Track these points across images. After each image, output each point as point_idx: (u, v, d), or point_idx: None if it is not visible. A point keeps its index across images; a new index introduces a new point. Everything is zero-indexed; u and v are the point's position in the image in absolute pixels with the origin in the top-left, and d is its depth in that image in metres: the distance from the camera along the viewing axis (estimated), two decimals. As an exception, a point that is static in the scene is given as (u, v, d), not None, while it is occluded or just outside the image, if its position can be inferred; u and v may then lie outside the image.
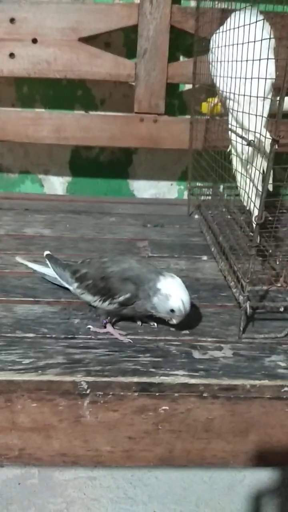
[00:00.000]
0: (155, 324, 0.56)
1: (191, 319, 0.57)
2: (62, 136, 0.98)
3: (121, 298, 0.53)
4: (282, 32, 0.77)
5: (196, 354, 0.51)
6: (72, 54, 0.93)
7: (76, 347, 0.51)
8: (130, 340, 0.53)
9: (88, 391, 0.46)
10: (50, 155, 1.09)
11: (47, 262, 0.61)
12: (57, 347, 0.50)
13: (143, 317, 0.56)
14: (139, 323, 0.57)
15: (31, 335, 0.53)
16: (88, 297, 0.56)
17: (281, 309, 0.60)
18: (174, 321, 0.53)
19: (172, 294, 0.51)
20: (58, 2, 0.95)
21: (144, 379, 0.47)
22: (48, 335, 0.53)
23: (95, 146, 1.06)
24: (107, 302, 0.54)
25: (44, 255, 0.62)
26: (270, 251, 0.66)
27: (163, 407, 0.48)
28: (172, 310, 0.51)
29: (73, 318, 0.57)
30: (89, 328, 0.55)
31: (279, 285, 0.53)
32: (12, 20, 0.91)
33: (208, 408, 0.48)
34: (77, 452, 0.50)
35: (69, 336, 0.53)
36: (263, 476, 0.90)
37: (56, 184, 1.12)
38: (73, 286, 0.58)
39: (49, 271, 0.62)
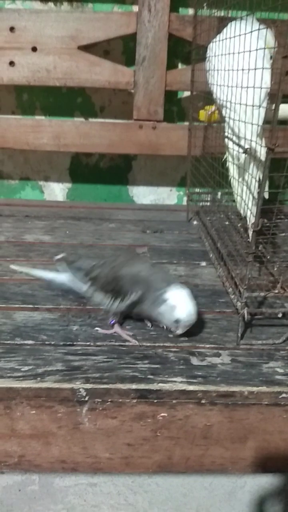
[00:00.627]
0: (150, 324, 0.57)
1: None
2: (62, 143, 0.99)
3: (131, 299, 0.53)
4: (279, 40, 0.78)
5: (195, 361, 0.52)
6: (71, 62, 0.94)
7: (75, 354, 0.51)
8: (137, 341, 0.54)
9: (86, 398, 0.46)
10: (50, 162, 1.09)
11: (63, 264, 0.61)
12: (56, 354, 0.51)
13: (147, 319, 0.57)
14: (149, 324, 0.57)
15: (30, 342, 0.53)
16: (98, 297, 0.57)
17: (279, 315, 0.60)
18: (179, 332, 0.53)
19: (177, 305, 0.52)
20: (57, 11, 0.97)
21: (142, 386, 0.47)
22: (47, 342, 0.53)
23: (95, 153, 1.07)
24: (117, 302, 0.55)
25: (58, 257, 0.63)
26: (268, 257, 0.66)
27: (162, 414, 0.48)
28: (177, 321, 0.52)
29: (72, 324, 0.57)
30: (97, 329, 0.56)
31: (276, 291, 0.54)
32: (12, 29, 0.92)
33: (206, 414, 0.48)
34: (76, 459, 0.50)
35: (68, 343, 0.53)
36: (264, 482, 0.90)
37: (57, 191, 1.12)
38: (85, 286, 0.59)
39: (55, 276, 0.62)
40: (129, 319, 0.58)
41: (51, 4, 0.97)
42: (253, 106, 0.49)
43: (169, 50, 0.94)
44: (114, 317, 0.56)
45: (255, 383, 0.48)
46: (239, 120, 0.54)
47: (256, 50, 0.48)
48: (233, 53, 0.55)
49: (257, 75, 0.51)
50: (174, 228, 0.91)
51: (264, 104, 0.52)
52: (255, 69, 0.48)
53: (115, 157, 1.09)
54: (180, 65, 1.01)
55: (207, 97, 0.71)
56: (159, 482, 0.92)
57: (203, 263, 0.75)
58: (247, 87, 0.50)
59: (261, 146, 0.47)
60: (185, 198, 1.02)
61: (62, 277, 0.61)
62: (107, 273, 0.56)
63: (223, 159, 0.63)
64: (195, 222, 0.92)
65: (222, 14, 0.75)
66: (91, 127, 0.99)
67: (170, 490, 0.90)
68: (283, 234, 0.82)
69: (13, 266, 0.66)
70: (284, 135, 0.92)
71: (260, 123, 0.52)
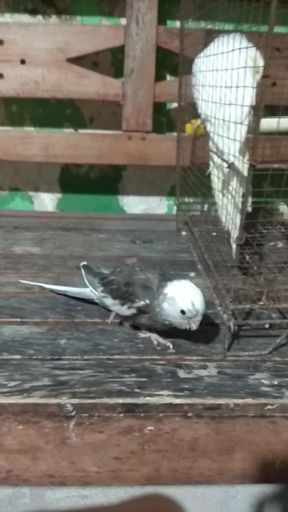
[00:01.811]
0: (171, 345, 0.56)
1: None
2: (51, 154, 0.99)
3: (140, 304, 0.54)
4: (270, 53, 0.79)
5: (181, 373, 0.52)
6: (60, 74, 0.95)
7: (62, 368, 0.52)
8: (171, 344, 0.56)
9: (73, 413, 0.47)
10: (40, 173, 1.10)
11: (82, 271, 0.64)
12: (43, 369, 0.51)
13: (162, 329, 0.57)
14: (155, 342, 0.57)
15: (17, 356, 0.53)
16: (108, 301, 0.58)
17: (266, 326, 0.61)
18: (193, 326, 0.52)
19: (177, 295, 0.51)
20: (46, 24, 0.97)
21: (129, 400, 0.47)
22: (34, 357, 0.53)
23: (84, 163, 1.08)
24: (126, 306, 0.56)
25: (81, 265, 0.66)
26: (255, 268, 0.67)
27: (149, 428, 0.48)
28: (182, 312, 0.51)
29: (60, 338, 0.57)
30: (139, 335, 0.58)
31: (261, 303, 0.54)
32: (0, 42, 0.93)
33: (193, 427, 0.49)
34: (64, 473, 0.50)
35: (55, 357, 0.53)
36: (256, 491, 0.90)
37: (46, 201, 1.13)
38: (98, 290, 0.60)
39: (67, 288, 0.66)
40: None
41: (39, 17, 0.98)
42: (235, 122, 0.50)
43: (157, 62, 0.95)
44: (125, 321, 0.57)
45: (241, 395, 0.49)
46: (222, 136, 0.54)
47: (239, 68, 0.49)
48: (218, 70, 0.56)
49: (241, 92, 0.52)
50: (163, 238, 0.91)
51: (246, 122, 0.53)
52: (237, 86, 0.49)
53: (105, 167, 1.10)
54: (168, 77, 1.02)
55: (193, 112, 0.72)
56: (151, 493, 0.92)
57: (192, 274, 0.76)
58: (230, 104, 0.50)
59: (243, 162, 0.48)
60: (175, 208, 1.03)
61: (75, 289, 0.65)
62: (120, 280, 0.58)
63: (207, 172, 0.64)
64: (184, 233, 0.93)
65: (209, 26, 0.77)
66: (80, 138, 0.99)
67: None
68: (272, 244, 0.83)
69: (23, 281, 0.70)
70: (272, 145, 0.93)
71: (242, 139, 0.53)
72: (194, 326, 0.52)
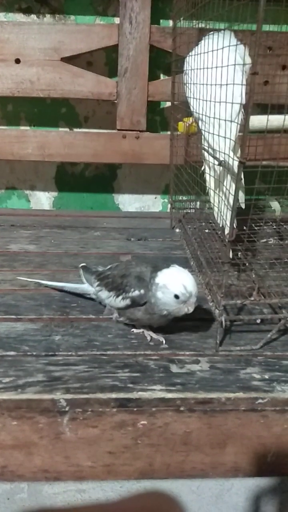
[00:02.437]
0: (163, 340, 0.57)
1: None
2: (46, 153, 1.00)
3: (134, 294, 0.54)
4: (258, 51, 0.80)
5: (174, 368, 0.53)
6: (55, 73, 0.95)
7: (56, 364, 0.52)
8: (163, 339, 0.56)
9: (67, 408, 0.47)
10: (36, 171, 1.10)
11: (81, 272, 0.65)
12: (37, 365, 0.52)
13: (160, 324, 0.57)
14: (148, 338, 0.57)
15: (12, 353, 0.54)
16: (104, 294, 0.59)
17: (258, 321, 0.62)
18: (190, 309, 0.53)
19: (168, 281, 0.52)
20: (40, 23, 0.98)
21: (122, 395, 0.48)
22: (29, 353, 0.54)
23: (80, 162, 1.08)
24: (120, 297, 0.56)
25: (80, 266, 0.66)
26: (247, 264, 0.68)
27: (142, 422, 0.49)
28: (176, 296, 0.52)
29: (55, 334, 0.58)
30: (132, 330, 0.59)
31: (252, 298, 0.55)
32: (-5, 42, 0.93)
33: (185, 421, 0.49)
34: (59, 468, 0.51)
35: (50, 354, 0.54)
36: (251, 484, 0.91)
37: (43, 199, 1.13)
38: (94, 285, 0.61)
39: (65, 283, 0.66)
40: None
41: (33, 17, 0.99)
42: (226, 120, 0.51)
43: (151, 61, 0.96)
44: (118, 315, 0.58)
45: (233, 389, 0.50)
46: (213, 134, 0.55)
47: (228, 65, 0.50)
48: (208, 68, 0.57)
49: (232, 90, 0.53)
50: (158, 235, 0.92)
51: (238, 119, 0.53)
52: (227, 84, 0.50)
53: (100, 166, 1.10)
54: (162, 76, 1.03)
55: (186, 110, 0.73)
56: (148, 486, 0.93)
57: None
58: (220, 102, 0.51)
59: (234, 160, 0.49)
60: (169, 205, 1.04)
61: (72, 285, 0.66)
62: (116, 273, 0.59)
63: (201, 170, 0.65)
64: (177, 230, 0.94)
65: (201, 26, 0.77)
66: (76, 137, 1.00)
67: (158, 495, 0.91)
68: (264, 240, 0.84)
69: (21, 278, 0.70)
70: (264, 143, 0.94)
71: (233, 137, 0.54)
72: (190, 309, 0.53)
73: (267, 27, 0.95)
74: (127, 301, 0.56)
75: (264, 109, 0.65)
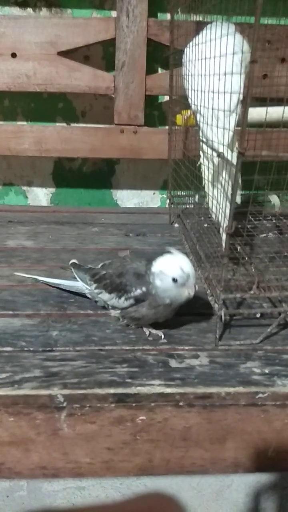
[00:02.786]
0: (162, 335, 0.56)
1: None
2: (43, 149, 0.99)
3: (137, 293, 0.53)
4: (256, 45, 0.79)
5: (173, 363, 0.52)
6: (51, 68, 0.94)
7: (54, 359, 0.52)
8: (162, 334, 0.55)
9: (64, 404, 0.47)
10: (33, 167, 1.09)
11: (72, 269, 0.64)
12: (34, 361, 0.51)
13: (167, 317, 0.56)
14: (147, 332, 0.57)
15: (9, 349, 0.53)
16: (105, 296, 0.57)
17: (258, 316, 0.61)
18: (190, 292, 0.52)
19: (164, 267, 0.52)
20: (36, 17, 0.97)
21: (120, 390, 0.47)
22: (26, 349, 0.53)
23: (77, 157, 1.08)
24: (123, 298, 0.55)
25: (71, 262, 0.65)
26: (246, 258, 0.67)
27: (140, 417, 0.48)
28: (175, 280, 0.51)
29: (52, 330, 0.57)
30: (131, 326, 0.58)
31: (252, 292, 0.54)
32: (-9, 36, 0.92)
33: (185, 416, 0.49)
34: (57, 465, 0.50)
35: (47, 349, 0.53)
36: (251, 481, 0.91)
37: (40, 195, 1.12)
38: (91, 288, 0.60)
39: (61, 281, 0.65)
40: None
41: (30, 10, 0.98)
42: (224, 111, 0.50)
43: (149, 55, 0.95)
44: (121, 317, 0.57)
45: (232, 384, 0.49)
46: (211, 125, 0.54)
47: (227, 55, 0.49)
48: (207, 58, 0.56)
49: (231, 81, 0.52)
50: (156, 231, 0.91)
51: (237, 110, 0.52)
52: (225, 74, 0.49)
53: (98, 161, 1.09)
54: (159, 70, 1.02)
55: (185, 104, 0.72)
56: (147, 483, 0.92)
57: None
58: (219, 92, 0.50)
59: (233, 151, 0.48)
60: (168, 201, 1.03)
61: (68, 282, 0.64)
62: (112, 272, 0.57)
63: (198, 163, 0.64)
64: (176, 225, 0.93)
65: (199, 18, 0.76)
66: (73, 132, 0.99)
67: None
68: (263, 235, 0.83)
69: (18, 274, 0.69)
70: (263, 137, 0.93)
71: (232, 128, 0.53)
72: (191, 292, 0.52)
73: (265, 19, 0.94)
74: (131, 301, 0.55)
75: (262, 103, 0.65)
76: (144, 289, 0.53)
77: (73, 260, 0.65)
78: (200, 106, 0.58)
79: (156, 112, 1.05)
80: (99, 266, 0.62)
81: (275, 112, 0.66)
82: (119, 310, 0.57)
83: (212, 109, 0.53)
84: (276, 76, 0.92)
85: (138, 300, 0.54)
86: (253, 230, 0.76)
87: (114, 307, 0.58)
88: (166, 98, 1.03)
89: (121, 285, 0.55)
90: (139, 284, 0.54)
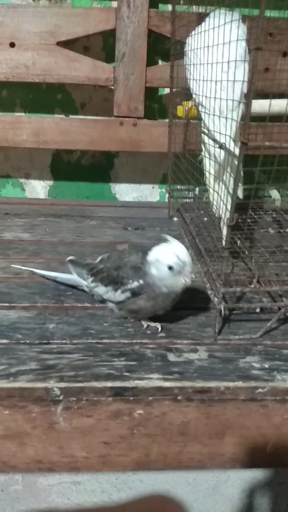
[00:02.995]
0: (159, 327, 0.55)
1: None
2: (41, 140, 0.98)
3: (133, 285, 0.52)
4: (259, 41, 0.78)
5: (171, 357, 0.51)
6: (50, 58, 0.93)
7: (50, 352, 0.51)
8: (159, 327, 0.54)
9: (61, 397, 0.46)
10: (31, 159, 1.08)
11: (69, 266, 0.62)
12: (30, 353, 0.50)
13: (165, 307, 0.55)
14: (145, 325, 0.56)
15: (4, 341, 0.52)
16: (101, 290, 0.56)
17: (257, 310, 0.60)
18: (187, 280, 0.51)
19: (160, 255, 0.51)
20: (36, 6, 0.95)
21: (118, 384, 0.47)
22: (22, 341, 0.52)
23: (76, 150, 1.06)
24: (119, 291, 0.54)
25: (69, 259, 0.63)
26: (246, 252, 0.66)
27: (138, 411, 0.47)
28: (170, 268, 0.50)
29: (49, 323, 0.56)
30: (129, 318, 0.57)
31: (252, 286, 0.54)
32: (-11, 24, 0.91)
33: (183, 411, 0.48)
34: (53, 459, 0.49)
35: (44, 342, 0.52)
36: (247, 477, 0.90)
37: (38, 188, 1.11)
38: (88, 281, 0.59)
39: (58, 274, 0.64)
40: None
41: (29, -1, 0.96)
42: (227, 100, 0.49)
43: (149, 47, 0.93)
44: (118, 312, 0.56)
45: (232, 378, 0.48)
46: (214, 115, 0.53)
47: (231, 41, 0.48)
48: (210, 46, 0.55)
49: (235, 69, 0.51)
50: (155, 225, 0.91)
51: (242, 99, 0.51)
52: (228, 61, 0.48)
53: (97, 154, 1.08)
54: (160, 62, 1.00)
55: (186, 93, 0.71)
56: (143, 479, 0.92)
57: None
58: (222, 81, 0.49)
59: (235, 141, 0.47)
60: (167, 195, 1.02)
61: (65, 275, 0.63)
62: (109, 266, 0.56)
63: (200, 156, 0.63)
64: (175, 219, 0.92)
65: (201, 10, 0.75)
66: (71, 123, 0.98)
67: (154, 486, 0.90)
68: (264, 230, 0.82)
69: (15, 265, 0.68)
70: (264, 131, 0.92)
71: (235, 117, 0.52)
72: (188, 280, 0.51)
73: (268, 12, 0.93)
74: (127, 294, 0.54)
75: (264, 97, 0.64)
76: (141, 281, 0.52)
77: (70, 257, 0.63)
78: (203, 96, 0.57)
79: (156, 105, 1.04)
80: (97, 260, 0.61)
81: (277, 105, 0.65)
82: (116, 303, 0.56)
83: (215, 98, 0.52)
84: (279, 70, 0.91)
85: (134, 293, 0.53)
86: (254, 225, 0.75)
87: (110, 301, 0.57)
88: (167, 90, 1.02)
89: (118, 277, 0.54)
90: (136, 277, 0.53)
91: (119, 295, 0.54)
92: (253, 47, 0.40)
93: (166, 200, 0.97)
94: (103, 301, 0.59)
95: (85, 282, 0.60)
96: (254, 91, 0.43)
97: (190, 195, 0.89)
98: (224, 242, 0.49)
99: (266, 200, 0.86)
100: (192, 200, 0.89)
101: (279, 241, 0.75)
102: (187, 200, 0.90)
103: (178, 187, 0.90)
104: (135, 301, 0.54)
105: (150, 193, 1.13)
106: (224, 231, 0.55)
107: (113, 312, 0.57)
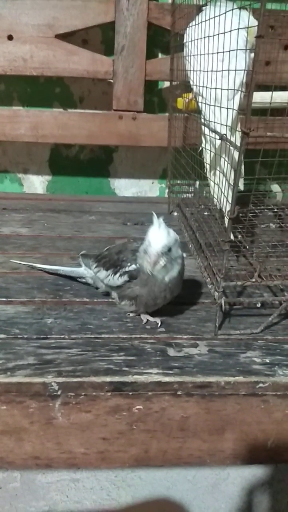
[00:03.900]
0: (159, 322, 0.55)
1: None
2: (40, 134, 0.97)
3: (131, 268, 0.53)
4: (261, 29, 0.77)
5: (171, 352, 0.51)
6: (48, 51, 0.92)
7: (48, 347, 0.50)
8: (159, 322, 0.54)
9: (59, 392, 0.45)
10: (29, 154, 1.07)
11: (80, 259, 0.63)
12: (28, 348, 0.49)
13: (166, 296, 0.54)
14: (144, 320, 0.55)
15: (2, 336, 0.51)
16: (102, 274, 0.57)
17: (258, 305, 0.60)
18: (148, 259, 0.50)
19: (144, 243, 0.51)
20: (34, -2, 0.94)
21: (117, 379, 0.46)
22: (19, 336, 0.52)
23: (74, 144, 1.05)
24: (117, 275, 0.54)
25: (81, 253, 0.64)
26: (247, 246, 0.66)
27: (137, 407, 0.47)
28: (146, 252, 0.50)
29: (47, 318, 0.56)
30: (129, 314, 0.57)
31: (253, 280, 0.53)
32: (-14, 17, 0.90)
33: (183, 406, 0.47)
34: (50, 455, 0.48)
35: (42, 337, 0.52)
36: (247, 474, 0.90)
37: (36, 183, 1.10)
38: (92, 268, 0.59)
39: (59, 267, 0.64)
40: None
41: (27, -9, 0.95)
42: (227, 90, 0.48)
43: (149, 40, 0.92)
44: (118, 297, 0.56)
45: (232, 373, 0.48)
46: (214, 105, 0.52)
47: (231, 30, 0.47)
48: (210, 36, 0.54)
49: (235, 59, 0.50)
50: (155, 220, 0.90)
51: (241, 89, 0.50)
52: (229, 51, 0.47)
53: (96, 148, 1.07)
54: (160, 55, 0.99)
55: (187, 85, 0.70)
56: (142, 476, 0.91)
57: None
58: (223, 70, 0.48)
59: (236, 131, 0.46)
60: (167, 190, 1.02)
61: (67, 268, 0.64)
62: (113, 251, 0.57)
63: (200, 148, 0.62)
64: (175, 214, 0.91)
65: (201, 2, 0.74)
66: (70, 117, 0.97)
67: (154, 484, 0.90)
68: (265, 225, 0.81)
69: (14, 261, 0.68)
70: (265, 126, 0.91)
71: (235, 108, 0.51)
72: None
73: (269, 5, 0.92)
74: (125, 277, 0.54)
75: (266, 90, 0.63)
76: (138, 265, 0.53)
77: (83, 252, 0.65)
78: (202, 87, 0.56)
79: (155, 99, 1.03)
80: (105, 249, 0.61)
81: (278, 97, 0.64)
82: (116, 290, 0.56)
83: (215, 89, 0.51)
84: (279, 62, 0.90)
85: (132, 277, 0.53)
86: (255, 219, 0.74)
87: (110, 286, 0.57)
88: (166, 84, 1.00)
89: (118, 260, 0.55)
90: (134, 260, 0.54)
91: (117, 279, 0.55)
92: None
93: (166, 195, 0.96)
94: (108, 293, 0.59)
95: (90, 273, 0.60)
96: (255, 84, 0.43)
97: (190, 190, 0.88)
98: (230, 235, 0.48)
99: (267, 195, 0.85)
100: (192, 194, 0.88)
101: (280, 236, 0.74)
102: (187, 194, 0.89)
103: (178, 181, 0.89)
104: (132, 286, 0.54)
105: (149, 188, 1.12)
106: (226, 222, 0.54)
107: (118, 303, 0.57)
